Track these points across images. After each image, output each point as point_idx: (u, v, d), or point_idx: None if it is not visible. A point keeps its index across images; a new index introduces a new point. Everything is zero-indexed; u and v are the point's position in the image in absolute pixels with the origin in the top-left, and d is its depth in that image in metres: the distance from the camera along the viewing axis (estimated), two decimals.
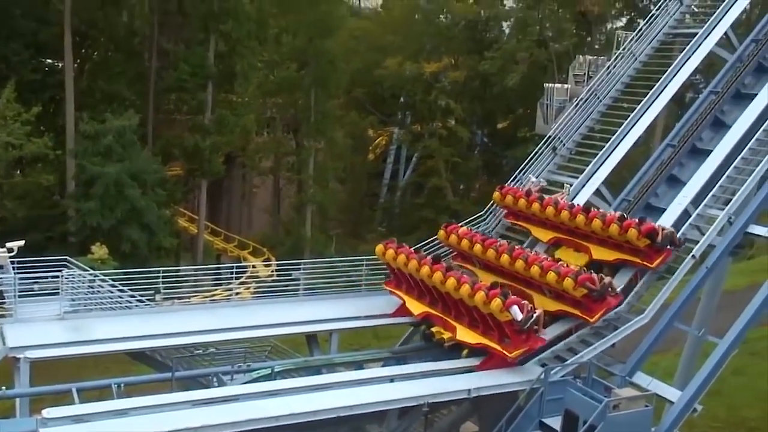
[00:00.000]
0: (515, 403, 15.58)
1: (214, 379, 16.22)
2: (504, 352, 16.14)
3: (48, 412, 13.03)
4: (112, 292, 18.46)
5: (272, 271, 40.16)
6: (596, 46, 61.37)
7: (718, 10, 21.82)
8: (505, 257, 18.05)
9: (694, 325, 19.61)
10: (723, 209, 17.19)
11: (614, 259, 17.83)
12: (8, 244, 17.05)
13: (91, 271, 18.61)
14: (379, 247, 19.49)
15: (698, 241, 17.03)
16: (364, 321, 18.74)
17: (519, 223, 20.53)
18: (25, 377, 15.11)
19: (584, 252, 18.52)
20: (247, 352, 17.99)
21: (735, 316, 15.94)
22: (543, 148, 21.88)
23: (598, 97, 22.09)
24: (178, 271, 21.68)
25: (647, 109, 21.18)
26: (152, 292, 18.70)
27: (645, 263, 17.21)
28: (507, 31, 68.53)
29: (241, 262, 49.20)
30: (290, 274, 20.08)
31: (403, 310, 18.83)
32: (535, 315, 16.34)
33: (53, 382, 15.61)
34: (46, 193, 45.91)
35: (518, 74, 59.24)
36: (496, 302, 16.02)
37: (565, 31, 60.32)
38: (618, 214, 18.19)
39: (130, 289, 18.65)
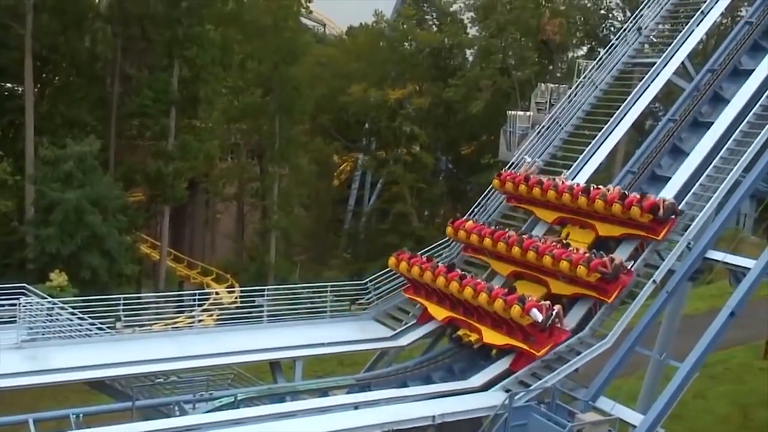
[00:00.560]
0: (480, 429, 15.52)
1: (176, 408, 16.00)
2: (532, 351, 16.73)
3: None
4: (71, 320, 18.20)
5: (236, 298, 39.74)
6: (558, 75, 62.59)
7: (676, 41, 22.30)
8: (516, 249, 18.40)
9: (655, 350, 19.83)
10: (682, 235, 17.42)
11: (620, 234, 18.25)
12: None
13: (50, 299, 18.32)
14: (392, 260, 20.01)
15: (658, 267, 17.27)
16: (329, 348, 18.63)
17: (522, 206, 20.90)
18: None
19: (590, 229, 18.91)
20: (210, 380, 17.71)
21: (695, 340, 16.12)
22: None
23: (560, 125, 22.39)
24: (139, 298, 21.41)
25: (608, 136, 21.50)
26: (113, 319, 18.44)
27: (651, 236, 17.68)
28: (470, 58, 69.44)
29: (204, 289, 48.63)
30: (254, 301, 19.94)
31: (426, 316, 19.20)
32: (554, 312, 16.87)
33: (9, 413, 15.21)
34: (4, 219, 44.90)
35: (482, 101, 60.14)
36: (516, 309, 16.61)
37: (528, 60, 61.19)
38: (618, 190, 18.52)
39: (90, 317, 18.41)
